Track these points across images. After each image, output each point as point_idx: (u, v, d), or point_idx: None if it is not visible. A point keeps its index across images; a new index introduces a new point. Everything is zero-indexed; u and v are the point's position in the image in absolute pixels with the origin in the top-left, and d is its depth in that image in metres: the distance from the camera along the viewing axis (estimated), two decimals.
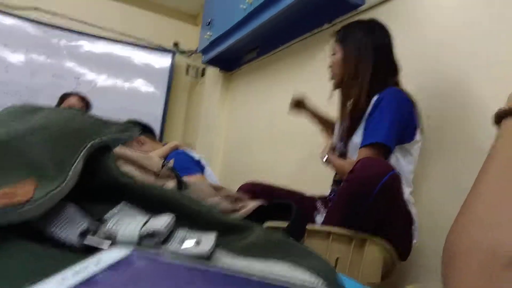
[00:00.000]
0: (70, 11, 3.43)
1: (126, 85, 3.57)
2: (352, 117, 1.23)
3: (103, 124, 0.34)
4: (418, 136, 1.16)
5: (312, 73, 2.03)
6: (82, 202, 0.27)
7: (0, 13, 3.14)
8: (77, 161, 0.27)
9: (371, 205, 0.96)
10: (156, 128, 3.46)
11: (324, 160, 1.24)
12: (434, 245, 1.17)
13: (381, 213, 1.00)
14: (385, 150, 1.09)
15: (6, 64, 3.13)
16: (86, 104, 2.27)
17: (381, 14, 1.63)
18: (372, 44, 1.19)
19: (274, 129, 2.33)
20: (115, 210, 0.27)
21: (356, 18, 1.76)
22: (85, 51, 3.44)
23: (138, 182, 0.28)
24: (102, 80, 3.48)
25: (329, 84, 1.85)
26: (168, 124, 3.71)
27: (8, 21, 3.16)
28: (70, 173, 0.26)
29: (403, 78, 1.40)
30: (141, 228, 0.24)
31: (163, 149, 1.77)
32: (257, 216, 0.83)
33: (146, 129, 1.90)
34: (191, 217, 0.27)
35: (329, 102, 1.37)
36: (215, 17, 2.69)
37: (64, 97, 2.24)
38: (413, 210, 1.13)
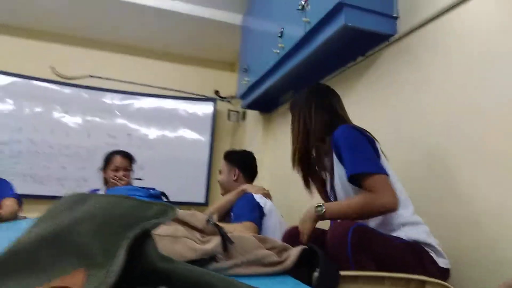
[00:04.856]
0: (120, 74, 3.76)
1: (174, 135, 3.76)
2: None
3: (145, 207, 0.37)
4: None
5: (349, 105, 2.01)
6: None
7: (59, 85, 3.52)
8: (121, 254, 0.30)
9: (356, 261, 0.97)
10: (203, 173, 3.59)
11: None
12: None
13: (371, 261, 0.98)
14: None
15: (67, 129, 3.46)
16: (129, 159, 2.34)
17: (413, 43, 1.62)
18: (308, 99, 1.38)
19: None
20: None
21: (389, 48, 1.76)
22: (135, 109, 3.71)
23: (175, 266, 0.30)
24: (152, 133, 3.71)
25: (365, 114, 1.85)
26: (214, 169, 3.81)
27: (67, 90, 3.53)
28: (115, 266, 0.29)
29: (440, 102, 1.38)
30: None
31: (231, 194, 1.82)
32: (305, 259, 0.83)
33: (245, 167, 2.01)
34: None
35: None
36: (250, 63, 2.81)
37: (108, 158, 2.30)
38: (418, 231, 1.10)
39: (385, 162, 1.18)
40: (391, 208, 1.07)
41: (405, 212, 1.12)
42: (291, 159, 1.39)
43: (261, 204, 1.72)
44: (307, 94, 1.40)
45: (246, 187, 1.84)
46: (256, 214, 1.64)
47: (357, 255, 0.96)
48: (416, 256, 1.05)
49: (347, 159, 1.13)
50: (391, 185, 1.09)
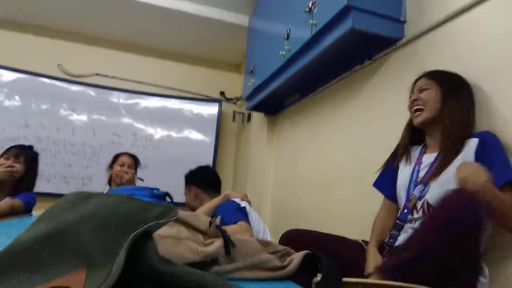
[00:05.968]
0: (126, 73, 3.78)
1: (179, 135, 3.77)
2: (445, 155, 1.19)
3: (146, 207, 0.37)
4: None
5: (355, 109, 2.01)
6: None
7: (66, 82, 3.54)
8: (121, 255, 0.29)
9: (459, 237, 0.91)
10: None
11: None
12: None
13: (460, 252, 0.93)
14: None
15: (73, 126, 3.48)
16: (134, 160, 2.47)
17: (420, 47, 1.61)
18: (466, 91, 1.25)
19: (320, 169, 2.30)
20: None
21: (396, 52, 1.75)
22: (141, 108, 3.72)
23: (175, 268, 0.30)
24: (157, 133, 3.72)
25: (371, 119, 1.84)
26: (218, 170, 3.81)
27: (74, 88, 3.55)
28: (115, 267, 0.28)
29: None
30: None
31: (216, 199, 1.82)
32: (307, 265, 0.82)
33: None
34: None
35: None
36: (256, 65, 2.81)
37: (116, 157, 2.51)
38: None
39: None
40: None
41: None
42: (416, 115, 1.30)
43: (242, 205, 1.77)
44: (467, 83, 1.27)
45: (229, 192, 1.87)
46: (244, 215, 1.69)
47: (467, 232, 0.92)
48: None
49: (504, 162, 1.06)
50: None
